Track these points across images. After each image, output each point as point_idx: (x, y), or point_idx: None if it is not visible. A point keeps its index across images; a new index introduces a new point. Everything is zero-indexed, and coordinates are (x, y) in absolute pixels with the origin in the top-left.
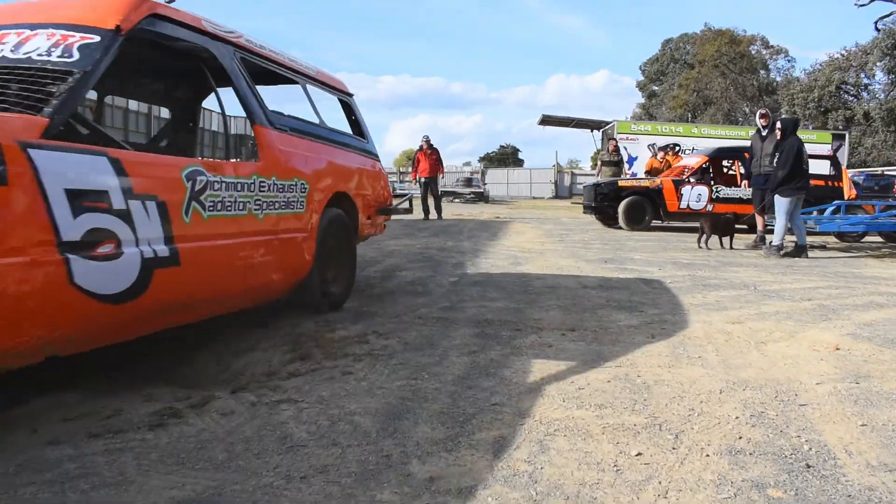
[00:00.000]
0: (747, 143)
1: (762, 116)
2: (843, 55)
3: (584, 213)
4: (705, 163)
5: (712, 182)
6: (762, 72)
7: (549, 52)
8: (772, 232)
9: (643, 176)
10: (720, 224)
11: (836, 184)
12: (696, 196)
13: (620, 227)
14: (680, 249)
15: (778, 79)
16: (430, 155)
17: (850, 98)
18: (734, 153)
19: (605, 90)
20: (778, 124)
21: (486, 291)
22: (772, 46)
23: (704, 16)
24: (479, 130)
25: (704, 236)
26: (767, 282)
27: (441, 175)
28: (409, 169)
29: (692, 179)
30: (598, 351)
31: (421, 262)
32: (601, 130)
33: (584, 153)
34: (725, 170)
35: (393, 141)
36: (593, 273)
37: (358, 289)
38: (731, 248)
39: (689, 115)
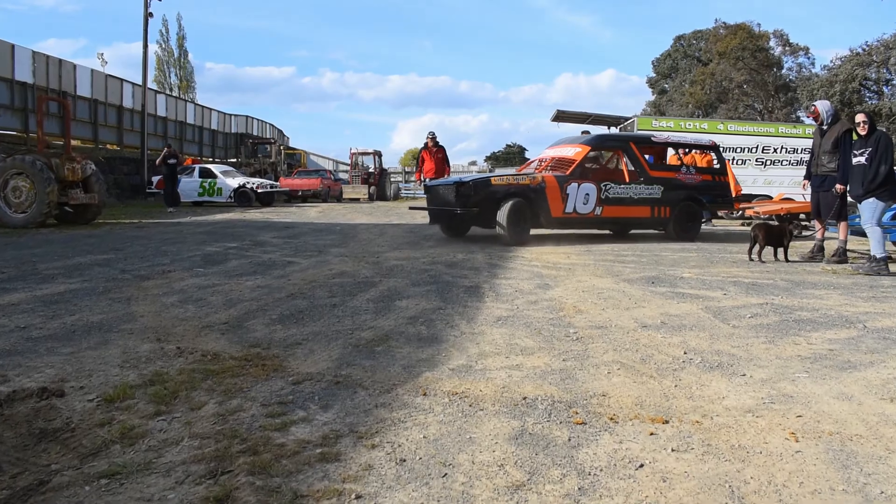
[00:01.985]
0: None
1: (812, 114)
2: (864, 50)
3: (432, 223)
4: (588, 153)
5: (600, 179)
6: (776, 68)
7: (557, 51)
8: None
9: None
10: (775, 233)
11: (721, 178)
12: (583, 196)
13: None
14: (729, 263)
15: (792, 76)
16: (435, 153)
17: (872, 94)
18: (619, 142)
19: (612, 89)
20: (861, 117)
21: (515, 335)
22: (791, 44)
23: (713, 12)
24: (486, 129)
25: (757, 247)
26: (870, 314)
27: (448, 175)
28: (415, 168)
29: (577, 176)
30: (724, 477)
31: (427, 284)
32: (619, 127)
33: None
34: (607, 163)
35: (400, 140)
36: (645, 301)
37: (343, 331)
38: (787, 259)
39: (700, 113)
